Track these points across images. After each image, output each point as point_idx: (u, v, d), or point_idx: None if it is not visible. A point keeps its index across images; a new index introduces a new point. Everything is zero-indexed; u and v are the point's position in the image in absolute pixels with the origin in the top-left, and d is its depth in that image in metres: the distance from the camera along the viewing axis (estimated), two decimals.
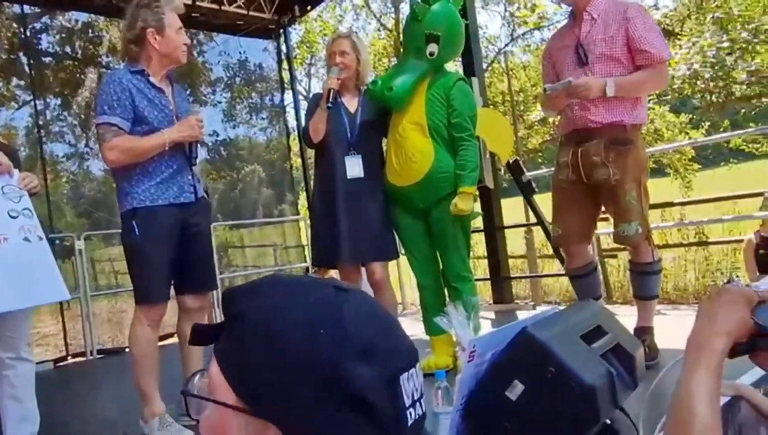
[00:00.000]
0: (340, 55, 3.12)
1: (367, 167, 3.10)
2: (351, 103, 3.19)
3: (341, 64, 3.10)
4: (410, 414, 0.63)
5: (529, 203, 5.19)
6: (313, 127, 3.11)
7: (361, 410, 0.59)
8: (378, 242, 3.12)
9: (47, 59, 7.42)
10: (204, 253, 2.75)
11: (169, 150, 2.54)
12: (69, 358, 5.29)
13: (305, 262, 6.95)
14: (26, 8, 6.36)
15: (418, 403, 0.64)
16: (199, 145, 2.69)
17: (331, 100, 3.01)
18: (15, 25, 6.60)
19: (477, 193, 3.45)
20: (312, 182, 3.95)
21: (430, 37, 3.00)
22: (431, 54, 3.02)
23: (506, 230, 5.71)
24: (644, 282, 2.95)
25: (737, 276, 5.37)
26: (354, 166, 3.09)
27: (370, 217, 3.10)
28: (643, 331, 2.83)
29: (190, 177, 2.63)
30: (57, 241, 5.57)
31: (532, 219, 5.46)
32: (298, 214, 8.23)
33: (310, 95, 3.64)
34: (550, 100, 2.87)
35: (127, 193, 2.52)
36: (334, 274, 3.66)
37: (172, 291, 2.65)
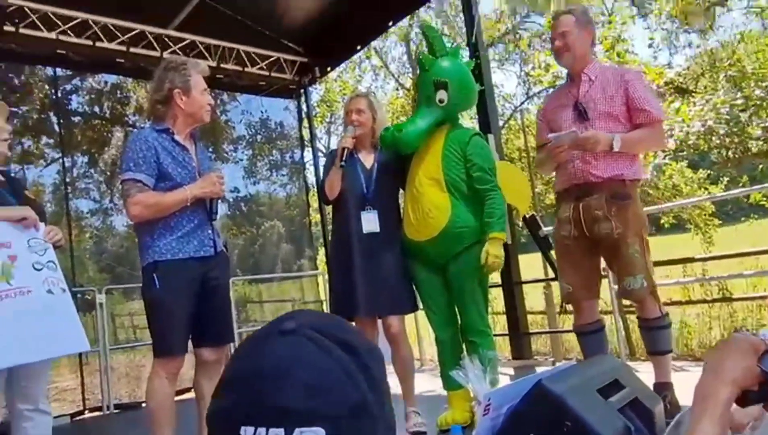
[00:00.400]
0: (357, 113, 3.22)
1: (383, 222, 3.14)
2: (367, 159, 3.26)
3: (357, 122, 3.19)
4: None
5: (547, 258, 5.16)
6: (329, 185, 3.18)
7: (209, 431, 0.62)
8: (394, 296, 3.13)
9: (76, 118, 7.68)
10: (222, 307, 2.78)
11: (191, 205, 2.61)
12: (86, 412, 5.30)
13: None
14: (59, 70, 6.64)
15: None
16: (219, 201, 2.76)
17: (344, 158, 3.10)
18: (47, 86, 6.87)
19: (507, 239, 3.45)
20: (330, 237, 4.00)
21: (438, 84, 3.08)
22: (441, 101, 3.08)
23: (525, 286, 5.68)
24: (655, 337, 2.91)
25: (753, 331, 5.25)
26: (370, 222, 3.14)
27: (387, 272, 3.12)
28: (663, 387, 2.78)
29: (210, 231, 2.69)
30: (79, 295, 5.62)
31: (551, 274, 5.43)
32: (316, 269, 8.26)
33: (327, 154, 3.73)
34: (553, 152, 2.88)
35: (149, 246, 2.58)
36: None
37: (190, 345, 2.67)
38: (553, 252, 5.03)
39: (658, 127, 2.91)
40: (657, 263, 4.58)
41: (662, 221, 12.51)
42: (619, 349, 4.88)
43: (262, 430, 0.58)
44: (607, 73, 2.96)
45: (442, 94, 3.07)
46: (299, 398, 0.59)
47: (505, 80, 53.87)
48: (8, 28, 5.03)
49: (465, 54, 3.31)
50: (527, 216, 5.05)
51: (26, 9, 5.07)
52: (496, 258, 2.95)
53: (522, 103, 15.76)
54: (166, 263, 2.55)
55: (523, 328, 5.33)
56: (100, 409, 5.25)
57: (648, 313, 2.87)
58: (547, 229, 5.19)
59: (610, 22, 10.47)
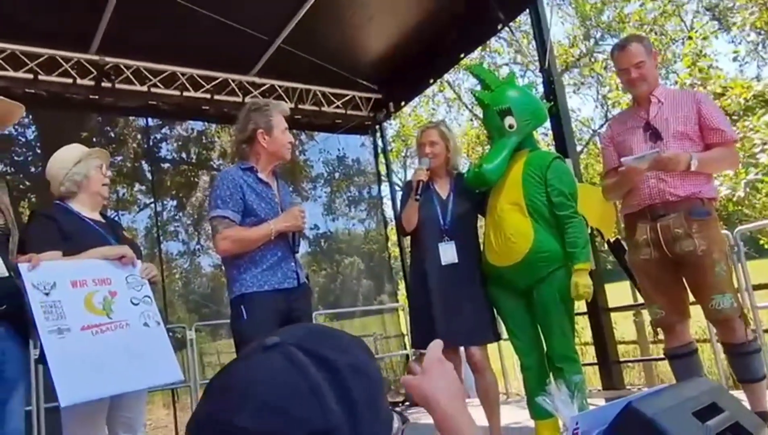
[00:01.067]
0: (430, 145, 3.26)
1: (461, 252, 3.14)
2: (443, 188, 3.27)
3: (431, 154, 3.22)
4: None
5: (635, 283, 4.97)
6: (405, 218, 3.22)
7: None
8: (474, 326, 3.10)
9: (166, 165, 8.11)
10: None
11: (274, 239, 2.71)
12: None
13: (405, 349, 6.92)
14: (150, 120, 7.08)
15: None
16: (300, 235, 2.84)
17: (420, 192, 3.13)
18: (139, 135, 7.32)
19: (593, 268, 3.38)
20: (409, 270, 4.02)
21: (502, 112, 3.09)
22: (510, 126, 3.09)
23: (615, 315, 5.47)
24: (745, 363, 2.75)
25: None
26: (448, 252, 3.14)
27: (466, 302, 3.10)
28: (761, 417, 2.60)
29: (293, 264, 2.77)
30: (170, 333, 5.88)
31: (640, 300, 5.22)
32: (397, 302, 8.28)
33: (403, 185, 3.79)
34: (628, 174, 2.81)
35: (236, 280, 2.68)
36: None
37: None
38: None
39: (732, 148, 2.88)
40: (757, 287, 4.32)
41: (761, 242, 11.80)
42: (719, 376, 4.61)
43: None
44: (675, 95, 2.96)
45: (509, 120, 3.08)
46: (258, 419, 0.59)
47: (582, 105, 52.90)
48: (105, 84, 5.42)
49: (518, 79, 3.36)
50: (611, 240, 4.91)
51: (121, 66, 5.47)
52: (587, 288, 2.89)
53: (600, 126, 15.41)
54: (252, 295, 2.65)
55: (613, 357, 5.12)
56: None
57: (736, 338, 2.73)
58: None
59: (689, 38, 10.15)
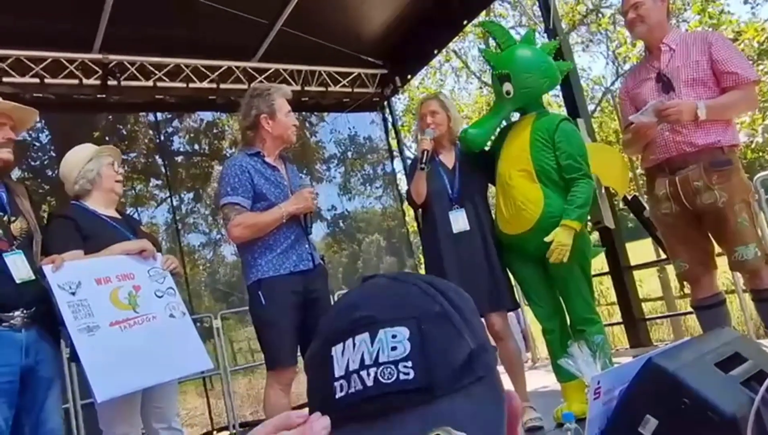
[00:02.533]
0: (431, 115, 3.23)
1: (472, 219, 3.13)
2: (448, 159, 3.26)
3: (433, 124, 3.20)
4: (339, 386, 0.57)
5: (655, 239, 4.94)
6: (414, 190, 3.21)
7: (309, 378, 0.61)
8: (492, 293, 3.10)
9: (179, 158, 8.14)
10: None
11: (287, 222, 2.72)
12: (214, 432, 5.60)
13: None
14: (159, 115, 7.11)
15: (355, 376, 0.56)
16: (311, 216, 2.86)
17: (425, 161, 3.10)
18: (150, 131, 7.35)
19: (587, 229, 3.34)
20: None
21: (501, 77, 3.06)
22: (507, 93, 3.06)
23: (640, 273, 5.44)
24: None
25: None
26: (458, 221, 3.13)
27: (481, 269, 3.10)
28: None
29: (307, 246, 2.80)
30: (197, 323, 5.97)
31: (663, 256, 5.19)
32: None
33: (410, 162, 3.77)
34: (640, 131, 2.74)
35: (252, 266, 2.72)
36: None
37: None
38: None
39: (749, 89, 2.74)
40: None
41: None
42: (747, 328, 4.58)
43: (348, 342, 0.58)
44: (687, 39, 2.83)
45: (507, 87, 3.05)
46: (380, 309, 0.59)
47: (592, 62, 52.08)
48: (111, 82, 5.44)
49: (538, 37, 3.26)
50: (629, 197, 4.87)
51: (125, 63, 5.48)
52: (562, 246, 2.84)
53: (612, 83, 15.17)
54: (268, 280, 2.68)
55: (638, 315, 5.11)
56: (226, 428, 5.54)
57: (763, 284, 2.69)
58: None
59: None
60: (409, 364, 0.55)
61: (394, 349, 0.56)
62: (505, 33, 3.22)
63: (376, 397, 0.55)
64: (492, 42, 3.37)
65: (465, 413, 0.55)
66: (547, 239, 2.86)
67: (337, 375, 0.57)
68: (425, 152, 3.11)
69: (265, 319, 2.70)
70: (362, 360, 0.56)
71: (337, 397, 0.56)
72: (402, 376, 0.55)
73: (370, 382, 0.55)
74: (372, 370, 0.55)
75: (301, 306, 2.71)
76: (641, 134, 2.77)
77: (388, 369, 0.55)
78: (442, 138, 3.26)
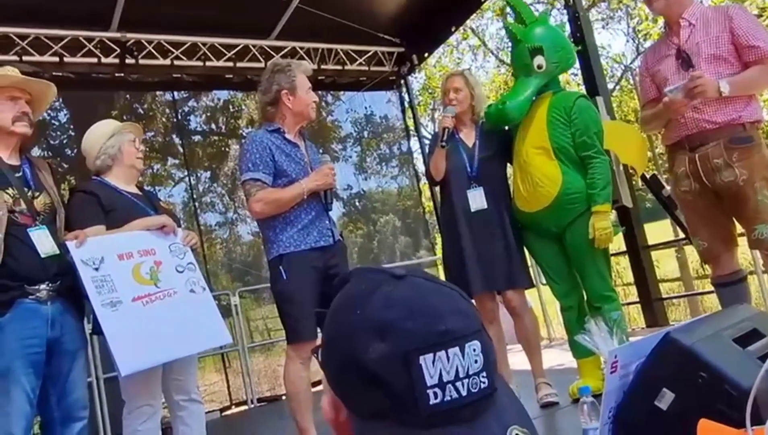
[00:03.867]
0: (454, 91, 3.22)
1: (490, 198, 3.13)
2: (468, 137, 3.25)
3: (455, 101, 3.19)
4: (434, 394, 0.64)
5: (674, 218, 4.90)
6: (433, 166, 3.21)
7: (372, 382, 0.64)
8: (509, 271, 3.11)
9: (196, 137, 8.17)
10: None
11: (307, 199, 2.75)
12: (233, 407, 5.71)
13: None
14: (176, 94, 7.14)
15: (450, 386, 0.64)
16: (332, 193, 2.87)
17: (445, 138, 3.10)
18: (168, 109, 7.39)
19: (613, 210, 3.35)
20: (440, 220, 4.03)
21: (533, 51, 3.03)
22: (539, 66, 3.03)
23: (658, 253, 5.41)
24: None
25: None
26: (477, 199, 3.13)
27: (499, 247, 3.11)
28: None
29: (327, 222, 2.82)
30: (215, 300, 6.04)
31: (681, 236, 5.15)
32: (434, 256, 8.32)
33: (431, 137, 3.75)
34: (671, 107, 2.68)
35: (273, 241, 2.74)
36: None
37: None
38: (679, 211, 4.79)
39: None
40: None
41: None
42: (766, 308, 4.55)
43: (441, 353, 0.64)
44: (707, 14, 2.76)
45: (539, 60, 3.02)
46: (457, 321, 0.67)
47: (612, 40, 51.29)
48: (129, 60, 5.48)
49: (551, 19, 3.25)
50: (648, 176, 4.83)
51: (142, 41, 5.50)
52: (604, 231, 2.87)
53: (632, 61, 14.96)
54: (289, 256, 2.71)
55: (655, 294, 5.09)
56: (245, 403, 5.65)
57: None
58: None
59: None
60: (484, 374, 0.67)
61: (476, 362, 0.66)
62: (528, 9, 3.22)
63: (469, 404, 0.65)
64: (510, 20, 3.32)
65: (507, 405, 0.69)
66: (590, 236, 2.90)
67: (429, 383, 0.64)
68: (446, 130, 3.10)
69: (286, 294, 2.73)
70: (457, 373, 0.65)
71: (431, 403, 0.64)
72: (482, 385, 0.66)
73: (464, 392, 0.65)
74: (465, 382, 0.65)
75: (321, 281, 2.74)
76: (672, 109, 2.69)
77: (474, 380, 0.66)
78: (463, 115, 3.25)
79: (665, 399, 1.47)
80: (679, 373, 1.47)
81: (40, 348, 2.26)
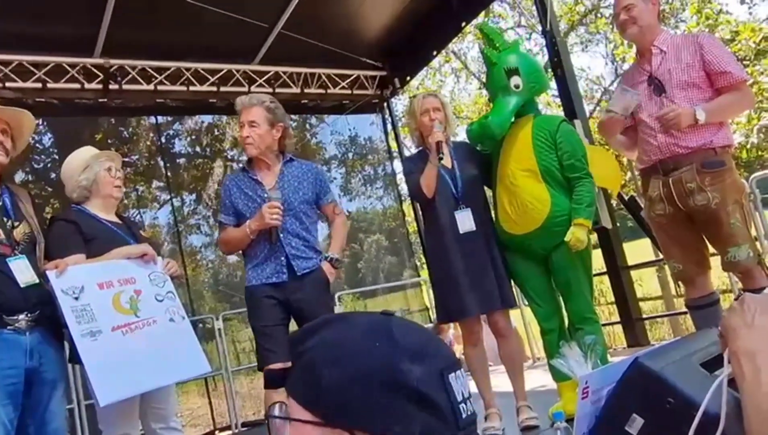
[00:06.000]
0: (434, 111, 3.22)
1: (477, 219, 3.15)
2: (446, 158, 3.27)
3: (437, 119, 3.21)
4: (463, 408, 0.71)
5: (652, 239, 4.97)
6: (426, 183, 3.16)
7: (419, 402, 0.68)
8: (495, 292, 3.12)
9: (180, 160, 8.18)
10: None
11: (260, 235, 2.84)
12: (217, 432, 5.65)
13: (430, 322, 7.00)
14: (160, 118, 7.16)
15: (468, 401, 0.73)
16: (278, 230, 2.86)
17: (441, 152, 3.09)
18: (152, 133, 7.40)
19: (591, 228, 3.40)
20: (426, 242, 4.02)
21: (509, 72, 3.09)
22: (516, 86, 3.08)
23: (638, 272, 5.48)
24: None
25: None
26: (465, 221, 3.13)
27: (486, 269, 3.12)
28: None
29: (283, 258, 2.86)
30: (200, 324, 6.02)
31: (661, 256, 5.22)
32: (419, 277, 8.34)
33: (403, 162, 3.75)
34: (605, 124, 2.90)
35: (246, 274, 2.91)
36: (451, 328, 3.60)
37: None
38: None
39: (743, 88, 2.77)
40: None
41: None
42: None
43: (458, 373, 0.73)
44: (678, 41, 2.84)
45: (516, 80, 3.08)
46: (447, 346, 0.79)
47: (591, 62, 52.00)
48: (113, 86, 5.50)
49: (522, 46, 3.37)
50: (626, 197, 4.91)
51: (126, 66, 5.53)
52: (579, 241, 2.90)
53: (611, 83, 15.16)
54: (251, 289, 2.87)
55: (636, 314, 5.15)
56: (229, 428, 5.59)
57: (757, 284, 2.71)
58: None
59: None
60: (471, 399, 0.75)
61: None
62: (501, 37, 3.32)
63: (474, 420, 0.74)
64: (482, 46, 3.39)
65: None
66: (565, 239, 2.91)
67: (459, 399, 0.71)
68: (440, 143, 3.10)
69: (251, 325, 2.87)
70: (464, 391, 0.73)
71: (464, 416, 0.71)
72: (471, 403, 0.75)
73: (471, 410, 0.73)
74: (469, 401, 0.73)
75: (286, 313, 2.84)
76: (608, 128, 2.87)
77: (470, 398, 0.74)
78: None
79: (635, 424, 1.49)
80: (647, 398, 1.49)
81: (17, 379, 2.25)
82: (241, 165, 3.02)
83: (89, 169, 2.71)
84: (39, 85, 5.17)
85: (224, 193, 2.98)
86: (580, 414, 1.56)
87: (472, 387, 3.31)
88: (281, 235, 2.86)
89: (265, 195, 2.88)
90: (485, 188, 3.35)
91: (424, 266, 8.33)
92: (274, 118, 2.94)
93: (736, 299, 1.10)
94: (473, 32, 13.10)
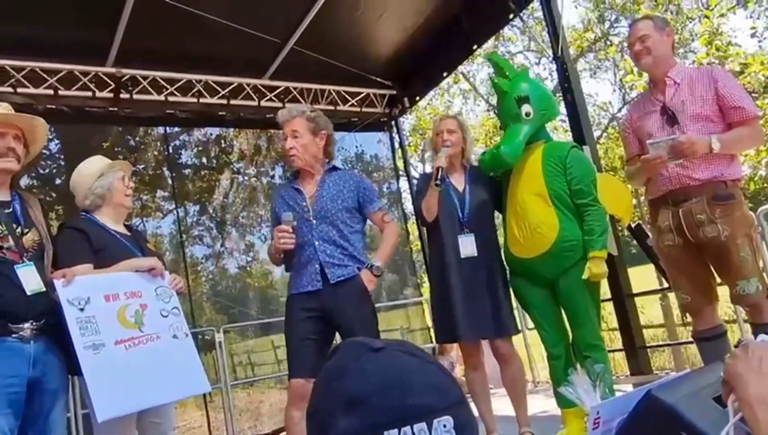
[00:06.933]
0: (448, 132, 3.25)
1: (480, 245, 3.14)
2: (458, 181, 3.28)
3: (449, 142, 3.22)
4: None
5: (658, 267, 4.95)
6: (426, 207, 3.21)
7: None
8: (495, 319, 3.11)
9: (186, 171, 8.19)
10: (353, 331, 2.79)
11: (298, 245, 2.84)
12: None
13: (431, 342, 6.96)
14: (168, 129, 7.18)
15: None
16: (305, 244, 2.90)
17: (440, 178, 3.11)
18: (159, 144, 7.43)
19: (612, 251, 3.40)
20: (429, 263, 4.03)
21: (520, 100, 3.10)
22: (527, 114, 3.09)
23: (641, 299, 5.44)
24: None
25: None
26: (467, 245, 3.14)
27: (485, 295, 3.12)
28: None
29: (317, 266, 2.84)
30: (199, 336, 5.99)
31: (666, 284, 5.20)
32: (420, 296, 8.32)
33: (418, 178, 3.78)
34: (649, 163, 2.74)
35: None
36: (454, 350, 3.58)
37: None
38: None
39: (755, 124, 2.77)
40: None
41: None
42: None
43: (407, 429, 0.64)
44: (692, 74, 2.85)
45: (526, 108, 3.09)
46: (427, 396, 0.67)
47: (599, 89, 52.33)
48: (124, 95, 5.53)
49: (533, 67, 3.41)
50: (633, 225, 4.90)
51: (138, 77, 5.56)
52: (599, 276, 2.92)
53: (619, 109, 15.25)
54: (288, 298, 2.91)
55: (639, 342, 5.11)
56: None
57: (763, 318, 2.70)
58: None
59: (706, 17, 9.98)
60: None
61: None
62: (510, 65, 3.37)
63: None
64: (491, 71, 3.44)
65: None
66: (583, 277, 2.92)
67: None
68: (440, 169, 3.11)
69: (286, 331, 2.88)
70: None
71: None
72: None
73: None
74: None
75: (319, 321, 2.82)
76: (650, 165, 2.76)
77: None
78: (454, 159, 3.27)
79: None
80: (659, 431, 1.47)
81: (20, 387, 2.22)
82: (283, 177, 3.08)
83: (104, 177, 2.72)
84: (51, 91, 5.20)
85: (272, 204, 3.10)
86: None
87: (473, 410, 3.28)
88: (316, 243, 2.87)
89: (304, 204, 2.92)
90: (497, 213, 3.35)
91: (426, 285, 8.33)
92: (316, 127, 2.97)
93: (736, 346, 1.09)
94: (482, 54, 13.20)
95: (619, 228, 5.18)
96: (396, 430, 0.64)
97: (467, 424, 0.68)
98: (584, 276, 2.91)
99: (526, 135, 3.11)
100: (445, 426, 0.66)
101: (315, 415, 0.70)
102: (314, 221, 2.89)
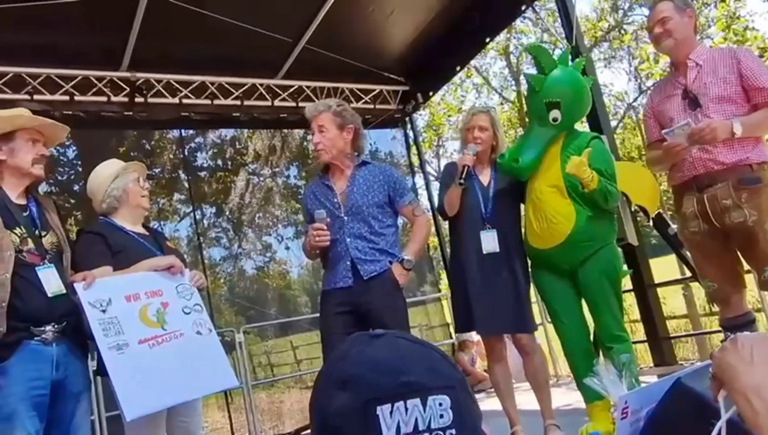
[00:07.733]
0: (480, 130, 3.22)
1: (502, 241, 3.12)
2: (484, 175, 3.25)
3: (479, 140, 3.19)
4: None
5: (680, 257, 4.89)
6: (448, 202, 3.19)
7: (331, 432, 0.65)
8: (516, 315, 3.10)
9: (202, 173, 8.22)
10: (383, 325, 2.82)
11: (330, 245, 2.86)
12: None
13: (451, 338, 6.95)
14: (183, 131, 7.22)
15: (426, 433, 0.64)
16: (337, 241, 2.90)
17: (464, 176, 3.08)
18: (174, 146, 7.47)
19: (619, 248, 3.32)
20: (450, 258, 4.00)
21: (550, 105, 3.04)
22: (554, 120, 3.04)
23: (663, 289, 5.37)
24: None
25: None
26: (489, 241, 3.12)
27: (506, 292, 3.10)
28: None
29: (348, 262, 2.84)
30: (219, 337, 6.01)
31: (688, 273, 5.12)
32: (439, 292, 8.29)
33: (443, 167, 3.73)
34: (670, 150, 2.69)
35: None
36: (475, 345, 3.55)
37: None
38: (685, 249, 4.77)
39: None
40: None
41: None
42: None
43: (399, 404, 0.64)
44: (715, 55, 2.78)
45: (555, 114, 3.04)
46: (423, 375, 0.66)
47: (614, 78, 51.88)
48: (138, 99, 5.56)
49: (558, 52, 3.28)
50: (653, 215, 4.83)
51: (152, 80, 5.59)
52: (580, 167, 2.83)
53: (635, 99, 15.11)
54: (322, 294, 2.94)
55: (663, 333, 5.04)
56: None
57: None
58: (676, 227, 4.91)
59: (723, 1, 9.84)
60: (454, 431, 0.64)
61: (441, 416, 0.64)
62: (548, 56, 3.17)
63: None
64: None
65: None
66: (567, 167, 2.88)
67: (384, 433, 0.63)
68: (465, 168, 3.09)
69: (321, 326, 2.91)
70: (416, 425, 0.63)
71: None
72: None
73: None
74: (430, 433, 0.63)
75: (351, 316, 2.82)
76: (672, 153, 2.72)
77: (422, 432, 0.63)
78: (483, 154, 3.25)
79: None
80: (690, 420, 1.44)
81: (44, 390, 2.24)
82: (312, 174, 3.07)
83: (118, 179, 2.73)
84: (66, 97, 5.24)
85: (303, 201, 3.10)
86: (620, 434, 1.52)
87: (496, 404, 3.26)
88: (348, 240, 2.86)
89: (336, 200, 2.92)
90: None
91: (445, 281, 8.30)
92: (343, 121, 2.94)
93: (723, 341, 1.08)
94: (495, 48, 13.12)
95: (639, 218, 5.10)
96: (389, 405, 0.64)
97: (466, 408, 0.66)
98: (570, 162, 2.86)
99: (548, 142, 3.09)
100: (441, 404, 0.65)
101: (315, 400, 0.71)
102: (345, 218, 2.89)
